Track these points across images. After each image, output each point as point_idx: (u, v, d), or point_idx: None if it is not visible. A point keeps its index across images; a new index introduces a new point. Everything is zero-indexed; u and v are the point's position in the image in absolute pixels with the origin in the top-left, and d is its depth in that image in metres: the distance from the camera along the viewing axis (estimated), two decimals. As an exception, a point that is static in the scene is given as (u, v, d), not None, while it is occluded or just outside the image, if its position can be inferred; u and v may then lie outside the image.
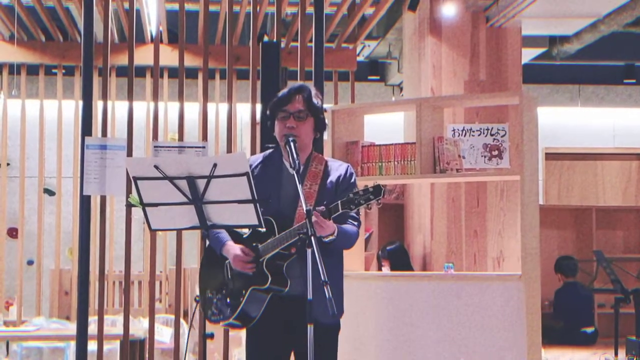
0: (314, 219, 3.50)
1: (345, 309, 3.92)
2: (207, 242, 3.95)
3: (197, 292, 4.02)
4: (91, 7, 5.60)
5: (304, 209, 3.48)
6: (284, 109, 3.81)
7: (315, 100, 3.85)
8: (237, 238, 3.84)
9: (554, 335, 8.73)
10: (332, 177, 3.85)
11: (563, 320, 8.93)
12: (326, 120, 4.04)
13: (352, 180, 3.88)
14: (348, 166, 3.93)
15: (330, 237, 3.63)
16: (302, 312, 3.54)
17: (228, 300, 3.77)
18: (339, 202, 3.59)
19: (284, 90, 3.87)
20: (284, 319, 3.73)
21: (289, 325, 3.73)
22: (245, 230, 3.93)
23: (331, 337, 3.80)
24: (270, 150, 4.00)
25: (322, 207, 3.60)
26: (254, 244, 3.74)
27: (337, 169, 3.89)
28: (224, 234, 3.84)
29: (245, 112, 8.89)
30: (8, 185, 9.04)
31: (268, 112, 3.90)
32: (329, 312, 3.27)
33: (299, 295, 3.57)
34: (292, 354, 3.86)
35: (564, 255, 9.19)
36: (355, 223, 3.83)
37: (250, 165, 3.89)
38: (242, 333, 4.64)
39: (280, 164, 3.88)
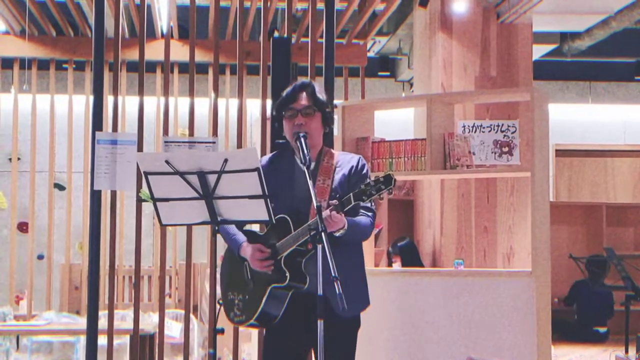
0: (325, 214, 3.51)
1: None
2: (225, 243, 3.94)
3: (216, 293, 4.01)
4: (102, 2, 5.60)
5: (315, 205, 3.48)
6: (291, 106, 3.81)
7: (320, 95, 3.84)
8: (253, 237, 3.83)
9: (566, 331, 8.71)
10: (345, 170, 3.84)
11: (577, 316, 8.91)
12: (334, 114, 4.02)
13: (365, 171, 3.86)
14: (360, 157, 3.91)
15: (341, 232, 3.62)
16: (323, 307, 3.52)
17: (249, 300, 3.77)
18: (351, 194, 3.57)
19: (288, 89, 3.86)
20: (303, 316, 3.72)
21: (308, 323, 3.71)
22: (256, 228, 3.92)
23: (350, 332, 3.79)
24: (281, 149, 3.99)
25: (335, 200, 3.59)
26: (271, 242, 3.74)
27: (349, 161, 3.88)
28: (239, 235, 3.84)
29: (255, 107, 8.89)
30: (18, 179, 9.07)
31: (274, 112, 3.90)
32: (345, 307, 3.26)
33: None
34: (312, 351, 3.85)
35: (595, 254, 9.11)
36: (369, 214, 3.80)
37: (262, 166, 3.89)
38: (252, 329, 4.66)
39: (292, 160, 3.88)
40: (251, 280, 3.78)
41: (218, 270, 4.07)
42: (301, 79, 3.95)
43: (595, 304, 8.89)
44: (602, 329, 8.85)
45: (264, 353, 3.89)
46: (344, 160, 3.88)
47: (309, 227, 3.58)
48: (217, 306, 3.97)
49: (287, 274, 3.66)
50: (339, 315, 3.46)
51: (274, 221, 3.58)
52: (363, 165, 3.88)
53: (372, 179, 3.59)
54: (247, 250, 3.76)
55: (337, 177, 3.81)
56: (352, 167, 3.84)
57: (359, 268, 3.87)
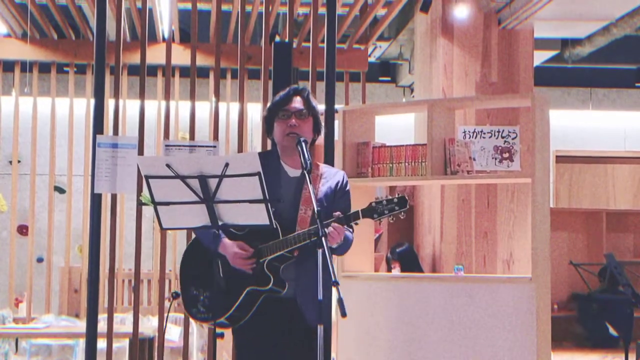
0: (330, 229, 3.54)
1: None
2: (193, 237, 3.91)
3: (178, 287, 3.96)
4: (104, 6, 5.60)
5: (315, 209, 3.48)
6: (285, 108, 3.83)
7: (313, 101, 3.89)
8: (232, 236, 3.78)
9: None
10: (331, 184, 3.86)
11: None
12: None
13: (347, 188, 3.91)
14: (344, 174, 3.96)
15: (338, 242, 3.65)
16: (294, 314, 3.56)
17: (219, 299, 3.73)
18: (359, 210, 3.61)
19: (282, 93, 3.90)
20: (276, 320, 3.71)
21: (280, 327, 3.72)
22: None
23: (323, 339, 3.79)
24: (266, 151, 4.01)
25: (338, 212, 3.61)
26: (254, 244, 3.72)
27: (335, 175, 3.91)
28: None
29: (256, 111, 8.90)
30: (19, 182, 9.07)
31: (266, 114, 3.91)
32: (345, 312, 3.25)
33: (292, 298, 3.61)
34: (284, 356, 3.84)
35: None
36: (351, 230, 3.84)
37: None
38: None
39: (277, 165, 3.87)
40: (224, 279, 3.74)
41: None
42: (294, 85, 3.99)
43: (615, 311, 8.81)
44: (615, 332, 8.82)
45: (238, 357, 3.86)
46: (330, 173, 3.91)
47: (307, 233, 3.59)
48: (171, 298, 3.93)
49: (271, 278, 3.66)
50: (310, 323, 3.49)
51: (274, 226, 3.58)
52: (347, 182, 3.92)
53: (385, 198, 3.61)
54: (228, 247, 3.71)
55: (323, 188, 3.83)
56: (338, 182, 3.88)
57: (329, 279, 3.86)
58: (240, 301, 3.69)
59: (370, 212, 3.60)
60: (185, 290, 3.85)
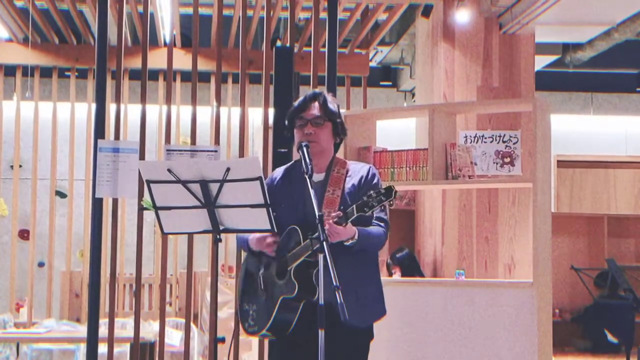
0: (326, 226, 3.50)
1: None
2: (243, 254, 3.96)
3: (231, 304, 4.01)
4: (105, 11, 5.62)
5: (317, 215, 3.47)
6: (301, 116, 3.83)
7: (331, 106, 3.86)
8: None
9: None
10: (354, 180, 3.83)
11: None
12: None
13: (375, 181, 3.84)
14: (370, 167, 3.90)
15: (351, 241, 3.62)
16: (332, 318, 3.52)
17: (262, 311, 3.77)
18: (354, 206, 3.57)
19: (300, 99, 3.89)
20: (314, 326, 3.71)
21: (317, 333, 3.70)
22: None
23: (360, 342, 3.77)
24: (294, 160, 4.01)
25: (339, 212, 3.59)
26: (282, 253, 3.73)
27: (359, 170, 3.87)
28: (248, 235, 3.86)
29: (257, 116, 8.90)
30: (20, 186, 9.07)
31: (286, 122, 3.91)
32: (346, 317, 3.24)
33: (329, 302, 3.57)
34: None
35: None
36: (382, 224, 3.79)
37: (275, 178, 3.92)
38: (252, 337, 4.64)
39: (301, 170, 3.88)
40: (264, 291, 3.78)
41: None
42: (313, 90, 3.97)
43: (615, 317, 8.81)
44: (614, 339, 8.81)
45: None
46: (355, 170, 3.87)
47: (311, 239, 3.58)
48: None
49: (296, 285, 3.65)
50: (349, 325, 3.45)
51: (275, 230, 3.59)
52: (373, 175, 3.86)
53: (375, 190, 3.60)
54: (254, 239, 3.77)
55: (347, 187, 3.80)
56: (362, 177, 3.84)
57: (372, 278, 3.85)
58: (277, 311, 3.70)
59: (362, 206, 3.56)
60: (240, 306, 3.92)
